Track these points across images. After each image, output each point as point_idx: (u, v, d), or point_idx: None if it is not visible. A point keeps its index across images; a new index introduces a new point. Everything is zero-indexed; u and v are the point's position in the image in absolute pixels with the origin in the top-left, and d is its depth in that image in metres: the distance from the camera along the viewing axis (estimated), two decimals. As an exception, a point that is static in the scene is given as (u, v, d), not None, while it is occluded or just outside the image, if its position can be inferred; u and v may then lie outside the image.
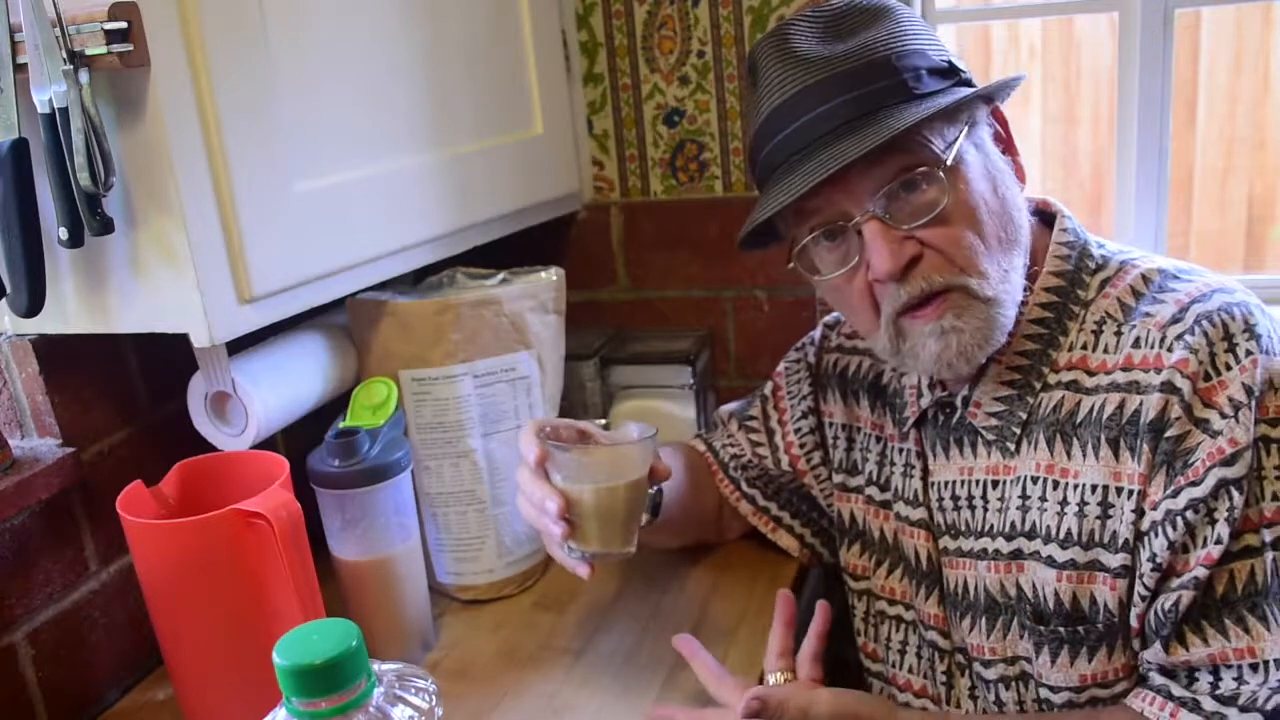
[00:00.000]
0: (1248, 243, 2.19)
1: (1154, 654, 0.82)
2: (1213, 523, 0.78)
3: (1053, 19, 2.15)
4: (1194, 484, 0.79)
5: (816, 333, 1.16)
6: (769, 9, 1.38)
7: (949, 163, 0.83)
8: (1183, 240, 2.19)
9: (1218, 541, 0.78)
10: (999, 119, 0.91)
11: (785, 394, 1.16)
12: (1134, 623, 0.84)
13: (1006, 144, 0.91)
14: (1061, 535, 0.86)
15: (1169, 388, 0.80)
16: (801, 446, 1.13)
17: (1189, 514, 0.79)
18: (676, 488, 1.07)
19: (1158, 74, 1.40)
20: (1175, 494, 0.80)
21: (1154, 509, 0.81)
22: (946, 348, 0.85)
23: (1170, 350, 0.82)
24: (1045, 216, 0.95)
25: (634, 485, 0.93)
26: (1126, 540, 0.83)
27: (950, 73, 0.85)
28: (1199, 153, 2.14)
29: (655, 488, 1.01)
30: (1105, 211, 2.03)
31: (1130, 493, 0.82)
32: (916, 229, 0.83)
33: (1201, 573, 0.79)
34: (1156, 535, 0.81)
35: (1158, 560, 0.81)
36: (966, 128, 0.85)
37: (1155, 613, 0.82)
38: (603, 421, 0.99)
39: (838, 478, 1.10)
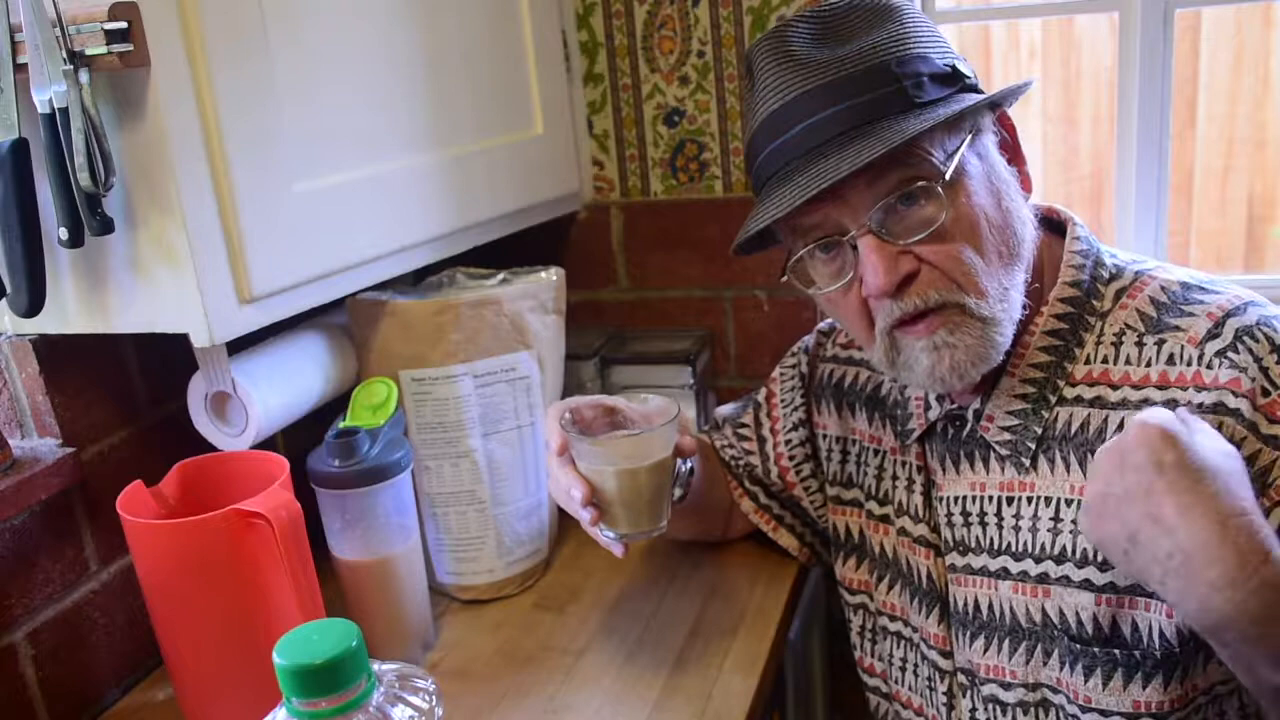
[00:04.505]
0: (1248, 243, 2.19)
1: None
2: None
3: (1053, 19, 2.15)
4: None
5: (810, 339, 1.15)
6: (769, 9, 1.38)
7: (948, 177, 0.80)
8: (1183, 240, 2.19)
9: None
10: (1006, 126, 0.88)
11: (779, 402, 1.15)
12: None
13: (1013, 152, 0.88)
14: (1100, 559, 0.83)
15: (1222, 409, 0.78)
16: (791, 458, 1.12)
17: None
18: (697, 471, 1.07)
19: (1158, 74, 1.40)
20: (1265, 514, 0.75)
21: None
22: (939, 362, 0.83)
23: (1210, 367, 0.79)
24: (1053, 224, 0.93)
25: (656, 467, 0.94)
26: None
27: (954, 78, 0.82)
28: (1199, 153, 2.15)
29: (688, 465, 1.02)
30: (1105, 211, 2.03)
31: None
32: (914, 244, 0.81)
33: None
34: None
35: None
36: (970, 136, 0.82)
37: None
38: (628, 395, 1.02)
39: (831, 490, 1.09)
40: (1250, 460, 0.76)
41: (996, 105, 0.86)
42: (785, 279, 0.89)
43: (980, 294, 0.82)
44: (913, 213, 0.81)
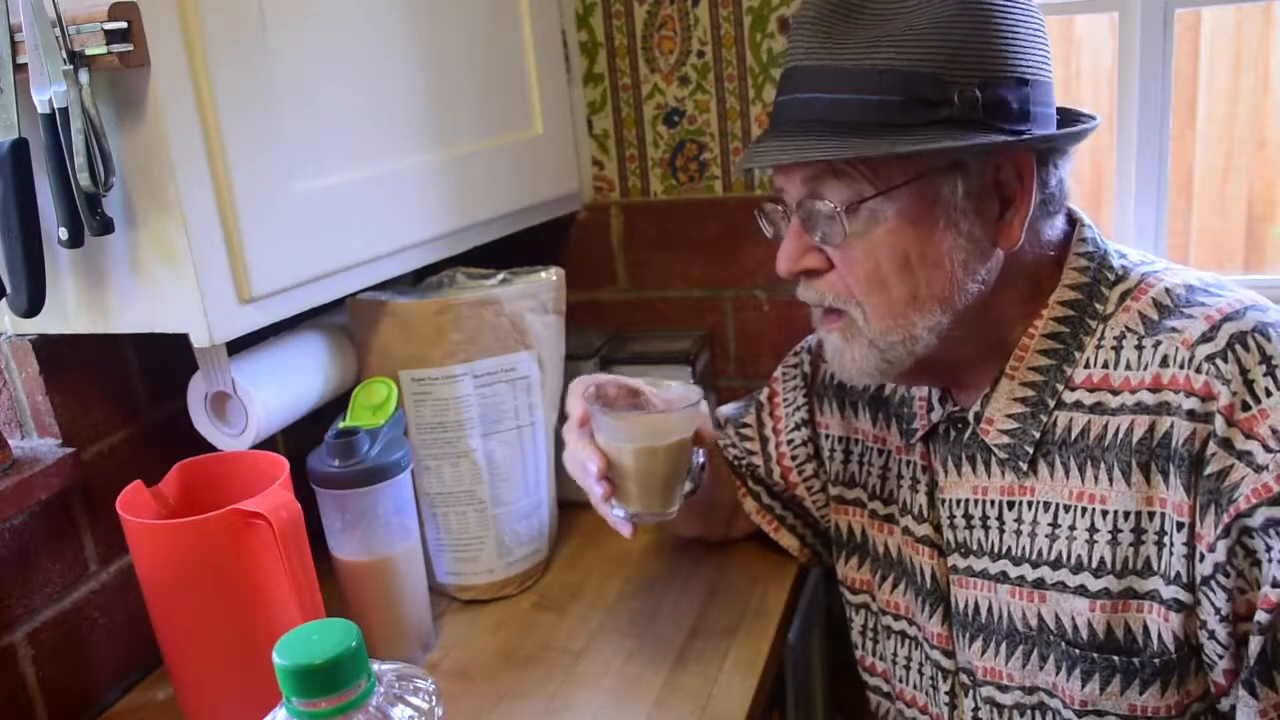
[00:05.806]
0: (1248, 243, 2.19)
1: (1245, 707, 0.78)
2: (1263, 563, 0.75)
3: (1053, 19, 2.14)
4: (1242, 515, 0.75)
5: (814, 339, 1.14)
6: (769, 9, 1.38)
7: (843, 210, 0.80)
8: (1183, 240, 2.19)
9: (1274, 584, 0.74)
10: (1023, 167, 0.81)
11: (781, 402, 1.15)
12: (1220, 678, 0.80)
13: (1013, 196, 0.82)
14: (1094, 564, 0.83)
15: (1203, 417, 0.77)
16: (794, 458, 1.12)
17: (1239, 551, 0.76)
18: (707, 468, 1.07)
19: (1158, 74, 1.40)
20: (1227, 532, 0.76)
21: (1212, 550, 0.77)
22: (833, 360, 0.89)
23: (1200, 371, 0.78)
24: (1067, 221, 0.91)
25: (673, 449, 0.94)
26: (1180, 574, 0.79)
27: (950, 104, 0.77)
28: (1199, 153, 2.14)
29: (700, 459, 1.03)
30: (1105, 211, 2.03)
31: (1179, 525, 0.78)
32: (824, 245, 0.84)
33: (1264, 617, 0.75)
34: (1227, 576, 0.77)
35: (1223, 612, 0.77)
36: (941, 168, 0.79)
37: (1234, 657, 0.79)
38: (652, 380, 1.03)
39: (834, 490, 1.09)
40: (1220, 475, 0.76)
41: (1025, 146, 0.80)
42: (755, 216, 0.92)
43: (869, 313, 0.84)
44: (823, 223, 0.83)
